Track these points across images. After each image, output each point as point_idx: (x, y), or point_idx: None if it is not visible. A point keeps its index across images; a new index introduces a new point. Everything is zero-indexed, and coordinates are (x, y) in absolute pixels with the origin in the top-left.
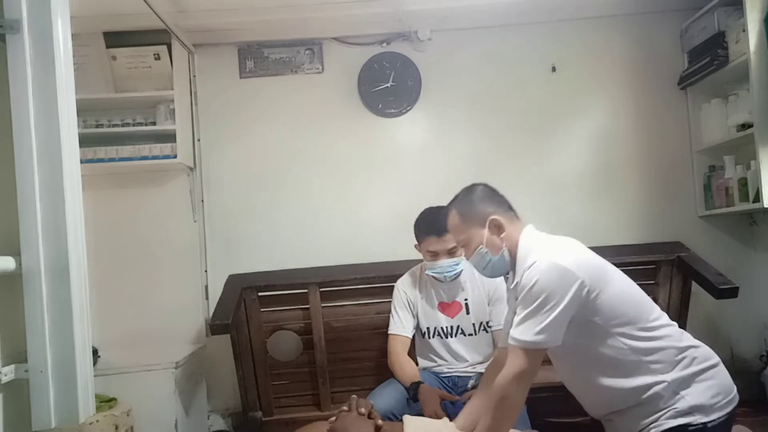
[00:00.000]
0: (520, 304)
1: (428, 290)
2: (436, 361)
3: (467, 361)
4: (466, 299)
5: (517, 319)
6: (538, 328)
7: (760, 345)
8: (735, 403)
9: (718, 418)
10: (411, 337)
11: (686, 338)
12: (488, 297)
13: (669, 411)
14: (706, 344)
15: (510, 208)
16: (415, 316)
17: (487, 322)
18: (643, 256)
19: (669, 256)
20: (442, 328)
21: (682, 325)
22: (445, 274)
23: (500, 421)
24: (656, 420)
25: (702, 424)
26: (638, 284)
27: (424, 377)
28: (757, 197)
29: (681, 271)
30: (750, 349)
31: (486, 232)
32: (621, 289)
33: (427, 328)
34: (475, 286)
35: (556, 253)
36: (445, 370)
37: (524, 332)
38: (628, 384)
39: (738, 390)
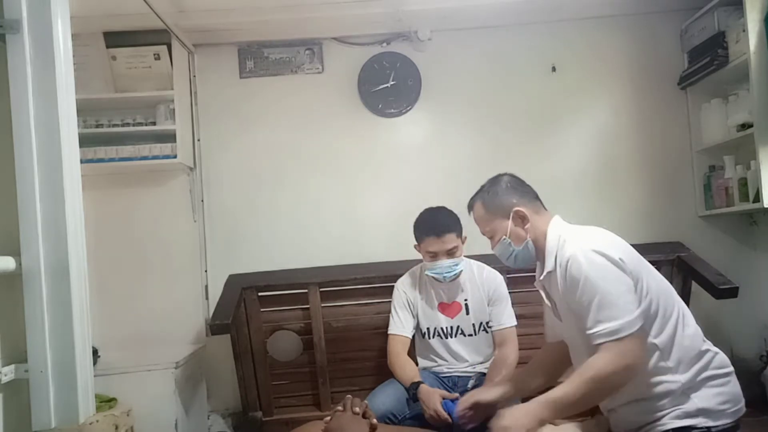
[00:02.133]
0: (579, 306)
1: (428, 290)
2: (436, 361)
3: (467, 361)
4: (465, 300)
5: (588, 322)
6: (612, 314)
7: (760, 345)
8: (741, 414)
9: (723, 425)
10: (411, 337)
11: (707, 342)
12: (488, 297)
13: (675, 411)
14: None
15: (536, 198)
16: (415, 317)
17: (487, 323)
18: (643, 256)
19: (669, 256)
20: (442, 329)
21: None
22: (445, 275)
23: (587, 396)
24: (661, 418)
25: (706, 428)
26: None
27: (424, 377)
28: (757, 197)
29: (681, 271)
30: (750, 349)
31: (510, 223)
32: (654, 278)
33: (427, 329)
34: (475, 286)
35: (596, 242)
36: (445, 370)
37: (603, 325)
38: (643, 376)
39: None
